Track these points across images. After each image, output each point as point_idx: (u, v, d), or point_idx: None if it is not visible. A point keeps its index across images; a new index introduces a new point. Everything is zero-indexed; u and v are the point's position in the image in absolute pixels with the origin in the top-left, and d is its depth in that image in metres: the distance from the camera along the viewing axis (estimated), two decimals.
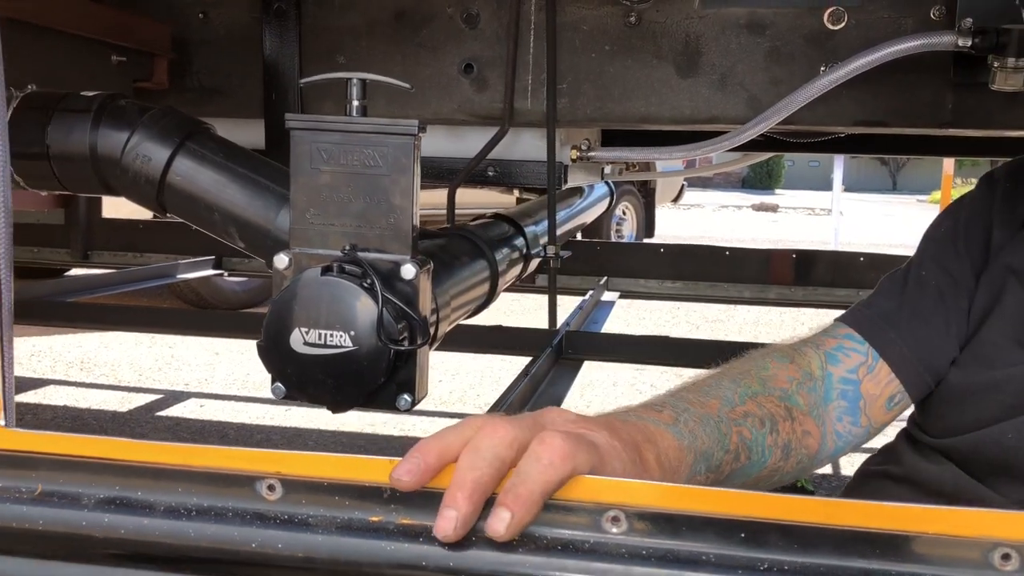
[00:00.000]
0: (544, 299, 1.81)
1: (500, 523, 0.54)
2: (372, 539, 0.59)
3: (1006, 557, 0.52)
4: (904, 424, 0.96)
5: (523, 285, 2.30)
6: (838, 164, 8.86)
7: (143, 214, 3.84)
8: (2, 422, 0.65)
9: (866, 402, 0.89)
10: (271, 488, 0.61)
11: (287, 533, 0.60)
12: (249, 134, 1.50)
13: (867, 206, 19.36)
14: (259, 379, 3.83)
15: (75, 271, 3.37)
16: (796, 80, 1.34)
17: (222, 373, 3.92)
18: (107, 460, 0.63)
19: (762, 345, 0.95)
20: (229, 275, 3.56)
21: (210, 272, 3.07)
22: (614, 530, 0.57)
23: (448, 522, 0.55)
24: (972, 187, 0.99)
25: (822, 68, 1.35)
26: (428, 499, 0.59)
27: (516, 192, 2.76)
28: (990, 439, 0.81)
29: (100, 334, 4.46)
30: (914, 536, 0.54)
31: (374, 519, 0.59)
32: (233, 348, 4.32)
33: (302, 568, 0.59)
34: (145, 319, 2.49)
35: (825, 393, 0.89)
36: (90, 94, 1.08)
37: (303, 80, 0.85)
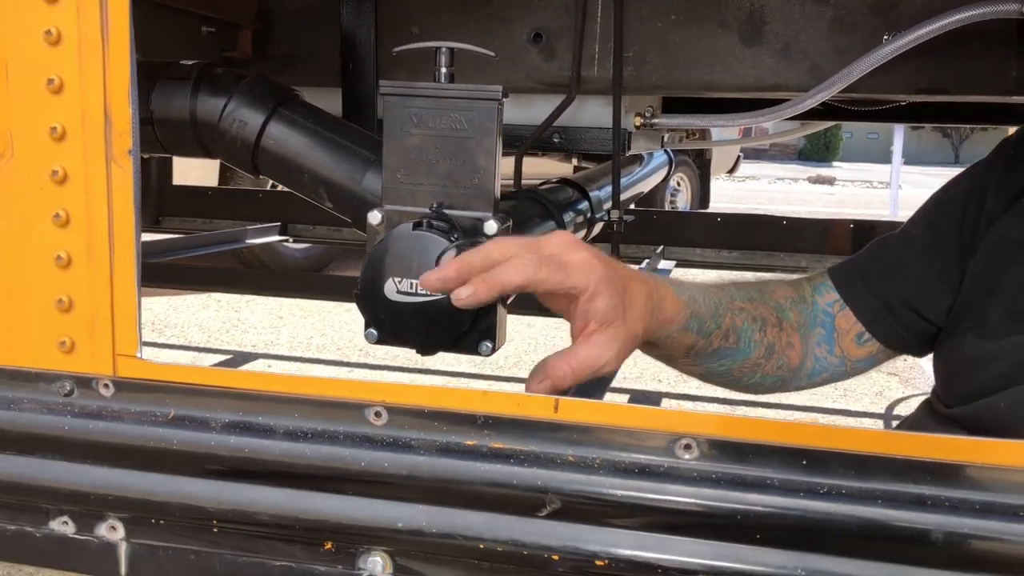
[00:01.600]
0: None
1: (464, 290, 0.73)
2: (468, 460, 0.66)
3: None
4: (926, 395, 1.00)
5: None
6: (898, 135, 8.70)
7: (211, 182, 3.96)
8: (137, 354, 0.73)
9: (839, 334, 0.98)
10: (377, 415, 0.68)
11: (392, 454, 0.67)
12: (326, 103, 1.57)
13: (928, 179, 18.91)
14: (321, 342, 3.95)
15: (145, 236, 3.50)
16: (859, 49, 1.36)
17: (286, 335, 4.05)
18: (230, 388, 0.71)
19: None
20: (294, 241, 3.66)
21: (276, 238, 3.16)
22: (686, 456, 0.64)
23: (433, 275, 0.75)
24: None
25: (885, 37, 1.37)
26: (519, 426, 0.66)
27: (574, 161, 2.80)
28: (987, 408, 0.84)
29: (168, 298, 4.62)
30: (965, 465, 0.60)
31: (469, 443, 0.66)
32: (296, 312, 4.45)
33: (405, 485, 0.67)
34: (219, 280, 2.60)
35: (812, 317, 0.99)
36: (189, 63, 1.16)
37: (396, 49, 0.91)
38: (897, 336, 0.97)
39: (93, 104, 0.69)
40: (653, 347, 0.88)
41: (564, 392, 0.74)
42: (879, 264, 0.99)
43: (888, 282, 0.97)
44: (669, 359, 0.93)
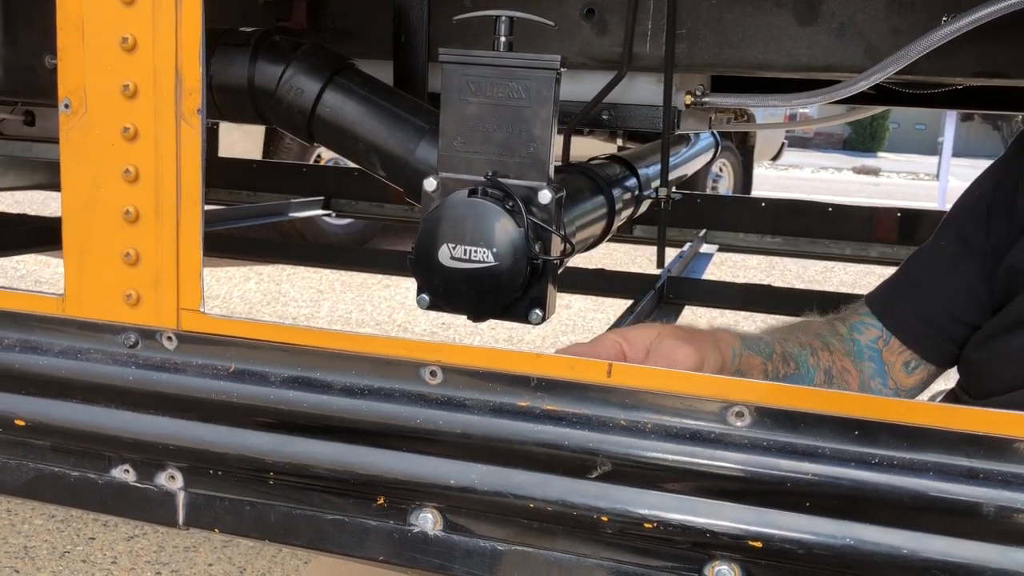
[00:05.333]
0: (636, 251, 1.87)
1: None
2: (520, 421, 0.67)
3: None
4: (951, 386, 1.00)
5: (621, 235, 2.34)
6: (949, 123, 8.53)
7: (255, 155, 4.00)
8: (200, 308, 0.75)
9: (888, 366, 0.98)
10: (433, 374, 0.69)
11: (446, 413, 0.69)
12: (378, 75, 1.58)
13: (977, 172, 18.51)
14: (360, 317, 3.99)
15: None
16: (916, 30, 1.34)
17: (326, 309, 4.10)
18: (289, 344, 0.73)
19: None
20: (336, 216, 3.69)
21: (319, 212, 3.19)
22: (738, 423, 0.64)
23: None
24: None
25: (944, 18, 1.35)
26: (569, 388, 0.67)
27: (619, 141, 2.80)
28: (1013, 402, 0.83)
29: (210, 269, 4.69)
30: (1018, 440, 0.60)
31: (522, 404, 0.68)
32: (336, 287, 4.50)
33: (458, 444, 0.68)
34: (264, 250, 2.63)
35: (858, 353, 0.98)
36: (248, 30, 1.18)
37: (456, 17, 0.92)
38: (949, 353, 0.97)
39: (165, 63, 0.71)
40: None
41: None
42: (916, 284, 0.98)
43: (929, 300, 0.96)
44: None
